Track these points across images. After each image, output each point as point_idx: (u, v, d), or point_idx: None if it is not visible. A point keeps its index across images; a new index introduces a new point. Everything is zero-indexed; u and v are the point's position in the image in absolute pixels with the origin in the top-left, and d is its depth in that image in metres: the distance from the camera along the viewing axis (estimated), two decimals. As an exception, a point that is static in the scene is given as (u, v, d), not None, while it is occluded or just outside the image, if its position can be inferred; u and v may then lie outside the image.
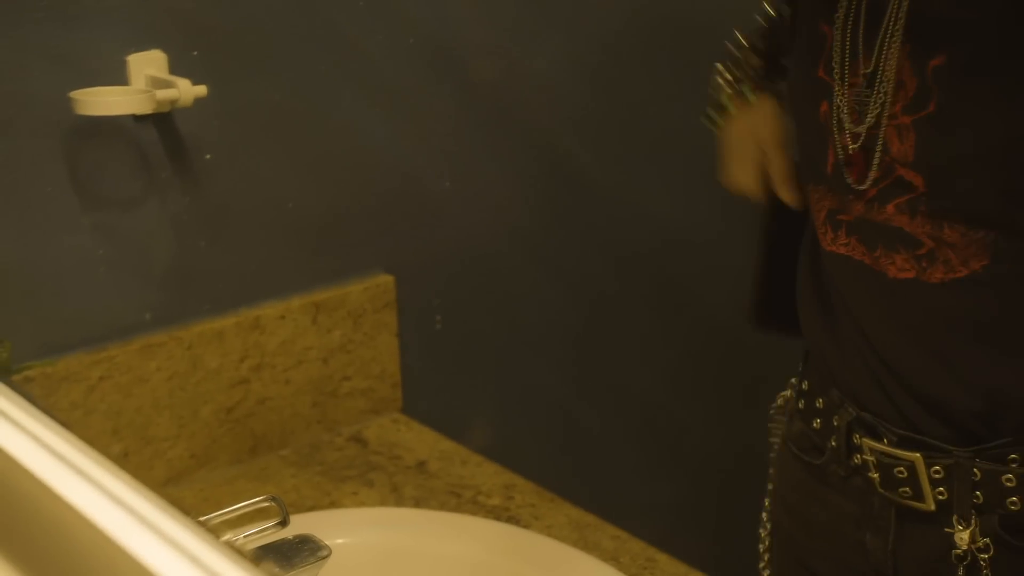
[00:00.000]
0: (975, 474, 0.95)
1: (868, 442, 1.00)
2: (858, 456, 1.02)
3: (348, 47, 1.36)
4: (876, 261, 0.96)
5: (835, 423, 1.05)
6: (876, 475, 1.00)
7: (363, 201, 1.42)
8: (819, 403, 1.07)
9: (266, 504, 0.94)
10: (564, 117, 1.56)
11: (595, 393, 1.67)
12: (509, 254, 1.57)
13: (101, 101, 1.16)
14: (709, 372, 1.73)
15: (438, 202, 1.49)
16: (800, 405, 1.10)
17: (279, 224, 1.37)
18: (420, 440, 1.41)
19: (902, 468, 0.98)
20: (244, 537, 0.91)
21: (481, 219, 1.53)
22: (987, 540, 0.95)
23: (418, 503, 1.27)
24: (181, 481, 1.31)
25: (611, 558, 1.17)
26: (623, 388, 1.69)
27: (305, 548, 0.94)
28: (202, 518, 0.89)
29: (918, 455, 0.97)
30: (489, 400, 1.58)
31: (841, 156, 0.96)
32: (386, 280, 1.45)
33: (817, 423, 1.07)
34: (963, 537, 0.96)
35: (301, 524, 1.00)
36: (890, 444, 0.99)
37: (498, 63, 1.49)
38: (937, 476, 0.97)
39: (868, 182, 0.94)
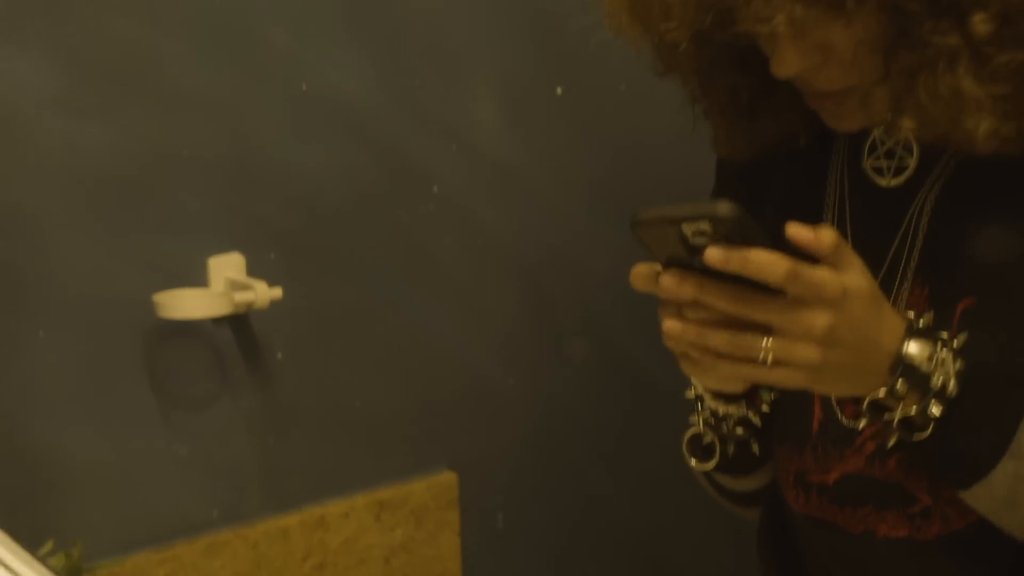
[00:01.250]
0: None
1: None
2: None
3: (418, 249, 1.40)
4: (863, 520, 0.93)
5: None
6: None
7: (428, 399, 1.44)
8: None
9: None
10: (627, 314, 1.58)
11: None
12: (571, 452, 1.56)
13: (182, 305, 1.20)
14: None
15: (502, 399, 1.50)
16: None
17: (346, 421, 1.38)
18: (481, 643, 1.39)
19: None
20: None
21: (544, 416, 1.53)
22: None
23: None
24: None
25: None
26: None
27: None
28: None
29: None
30: (551, 602, 1.55)
31: (839, 413, 0.93)
32: (449, 477, 1.45)
33: None
34: None
35: None
36: None
37: (562, 263, 1.52)
38: None
39: (869, 437, 0.91)
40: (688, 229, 0.73)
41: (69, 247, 1.17)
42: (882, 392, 0.81)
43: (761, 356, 0.76)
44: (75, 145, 1.16)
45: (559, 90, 1.48)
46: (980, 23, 0.78)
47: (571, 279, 1.53)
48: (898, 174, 0.93)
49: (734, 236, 0.72)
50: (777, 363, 0.76)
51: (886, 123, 0.87)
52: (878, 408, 0.83)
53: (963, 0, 0.78)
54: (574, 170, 1.50)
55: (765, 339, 0.76)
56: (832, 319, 0.75)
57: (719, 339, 0.76)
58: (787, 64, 0.84)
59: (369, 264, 1.37)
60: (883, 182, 0.94)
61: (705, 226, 0.72)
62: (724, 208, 0.71)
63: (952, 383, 0.81)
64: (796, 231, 0.74)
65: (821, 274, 0.75)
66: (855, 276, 0.77)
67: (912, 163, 0.92)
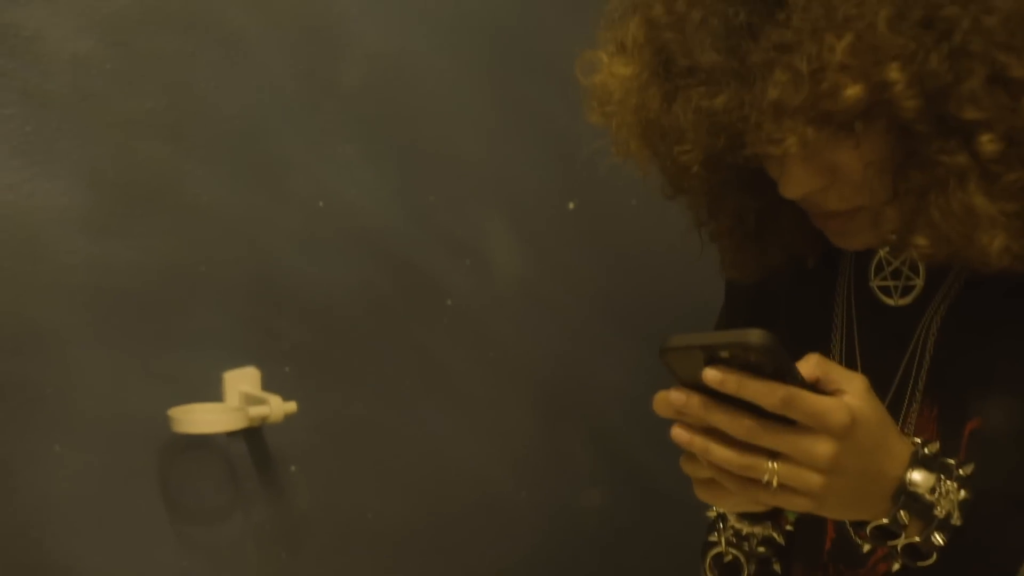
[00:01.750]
0: None
1: None
2: None
3: (432, 362, 1.42)
4: None
5: None
6: None
7: (440, 511, 1.44)
8: None
9: None
10: (639, 428, 1.58)
11: None
12: (583, 564, 1.55)
13: (197, 420, 1.21)
14: None
15: (514, 512, 1.50)
16: None
17: (358, 534, 1.38)
18: None
19: None
20: None
21: (556, 529, 1.53)
22: None
23: None
24: None
25: None
26: None
27: None
28: None
29: None
30: None
31: (851, 533, 0.90)
32: (462, 592, 1.44)
33: None
34: None
35: None
36: None
37: (574, 376, 1.53)
38: None
39: (880, 559, 0.90)
40: (718, 356, 0.74)
41: (87, 362, 1.19)
42: (885, 519, 0.81)
43: (766, 478, 0.76)
44: (96, 262, 1.19)
45: (571, 205, 1.51)
46: (987, 143, 0.79)
47: (583, 392, 1.54)
48: (905, 294, 0.94)
49: (764, 364, 0.73)
50: (782, 487, 0.77)
51: (894, 242, 0.88)
52: (883, 533, 0.83)
53: (969, 121, 0.79)
54: (586, 284, 1.52)
55: (770, 462, 0.76)
56: (836, 447, 0.75)
57: (724, 455, 0.77)
58: (796, 185, 0.85)
59: (383, 377, 1.38)
60: (891, 302, 0.95)
61: (735, 353, 0.73)
62: (755, 336, 0.72)
63: (956, 514, 0.80)
64: None
65: (825, 403, 0.75)
66: (862, 402, 0.78)
67: (919, 283, 0.94)
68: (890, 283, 0.95)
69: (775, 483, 0.76)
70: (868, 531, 0.82)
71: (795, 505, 0.78)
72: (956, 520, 0.80)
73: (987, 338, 0.89)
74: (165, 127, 1.22)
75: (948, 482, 0.81)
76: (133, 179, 1.20)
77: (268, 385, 1.30)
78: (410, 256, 1.39)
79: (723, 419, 0.75)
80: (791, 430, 0.75)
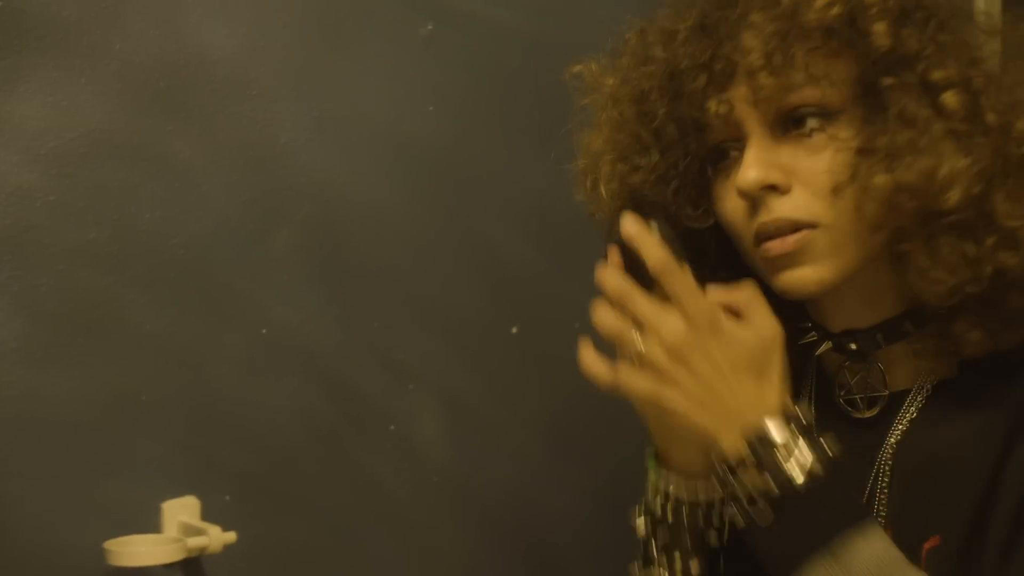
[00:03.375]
0: None
1: None
2: None
3: (375, 488, 1.41)
4: None
5: None
6: None
7: (383, 640, 1.42)
8: None
9: None
10: (588, 550, 1.57)
11: None
12: None
13: (134, 552, 1.19)
14: None
15: (458, 640, 1.48)
16: None
17: (298, 667, 1.35)
18: None
19: None
20: None
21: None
22: None
23: None
24: None
25: None
26: None
27: None
28: None
29: None
30: None
31: None
32: None
33: None
34: None
35: None
36: None
37: (520, 500, 1.53)
38: None
39: None
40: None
41: (21, 494, 1.17)
42: (728, 453, 0.83)
43: (634, 344, 0.83)
44: (33, 393, 1.18)
45: (514, 329, 1.52)
46: (950, 97, 0.85)
47: (527, 516, 1.54)
48: (872, 405, 0.94)
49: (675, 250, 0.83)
50: (642, 364, 0.83)
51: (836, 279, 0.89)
52: (726, 470, 0.84)
53: (935, 81, 0.85)
54: (530, 408, 1.53)
55: (635, 331, 0.83)
56: (685, 333, 0.82)
57: (603, 317, 0.84)
58: (755, 165, 0.87)
59: (325, 504, 1.37)
60: (857, 415, 0.95)
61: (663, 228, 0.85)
62: (661, 222, 0.85)
63: (801, 479, 0.82)
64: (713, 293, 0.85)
65: (694, 288, 0.83)
66: (745, 328, 0.84)
67: (884, 393, 0.94)
68: (856, 395, 0.96)
69: (640, 349, 0.83)
70: (714, 461, 0.85)
71: (644, 385, 0.84)
72: (798, 482, 0.82)
73: (946, 455, 0.90)
74: (108, 256, 1.23)
75: (804, 446, 0.83)
76: (74, 309, 1.21)
77: (208, 515, 1.28)
78: (353, 381, 1.39)
79: (610, 281, 0.84)
80: (654, 301, 0.83)
